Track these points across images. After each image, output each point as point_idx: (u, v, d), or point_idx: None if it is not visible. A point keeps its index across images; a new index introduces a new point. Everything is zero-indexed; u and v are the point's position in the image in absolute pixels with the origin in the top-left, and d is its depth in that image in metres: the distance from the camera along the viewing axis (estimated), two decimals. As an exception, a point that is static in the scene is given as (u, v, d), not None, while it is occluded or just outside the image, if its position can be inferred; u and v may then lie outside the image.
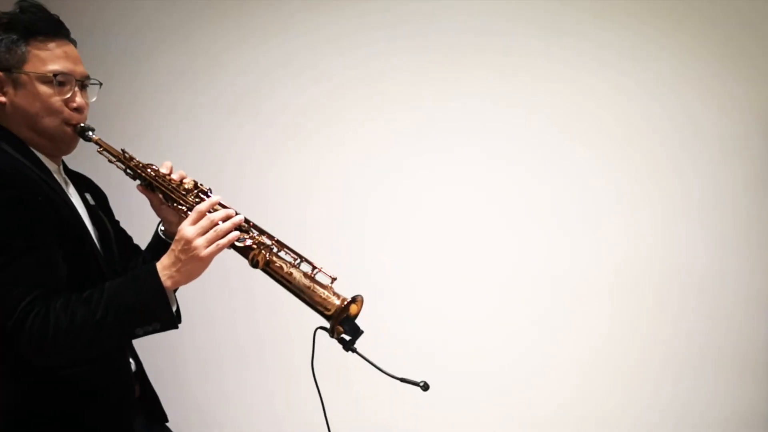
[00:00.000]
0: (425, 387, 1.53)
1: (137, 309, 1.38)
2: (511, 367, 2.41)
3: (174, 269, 1.40)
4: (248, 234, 1.46)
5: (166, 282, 1.39)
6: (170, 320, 1.41)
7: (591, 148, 2.41)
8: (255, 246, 1.44)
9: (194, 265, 1.40)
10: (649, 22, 2.40)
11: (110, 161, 1.55)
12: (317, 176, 2.47)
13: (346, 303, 1.43)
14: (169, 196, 1.51)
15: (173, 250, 1.40)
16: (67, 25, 1.51)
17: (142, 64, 2.41)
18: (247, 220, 1.48)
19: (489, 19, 2.43)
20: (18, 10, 1.47)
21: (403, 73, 2.45)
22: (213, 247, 1.39)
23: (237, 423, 2.51)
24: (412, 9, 2.43)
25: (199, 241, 1.39)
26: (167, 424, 1.74)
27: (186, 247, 1.39)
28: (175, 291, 1.48)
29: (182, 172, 1.56)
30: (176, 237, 1.41)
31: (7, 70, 1.44)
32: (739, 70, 2.38)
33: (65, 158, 1.59)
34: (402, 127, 2.45)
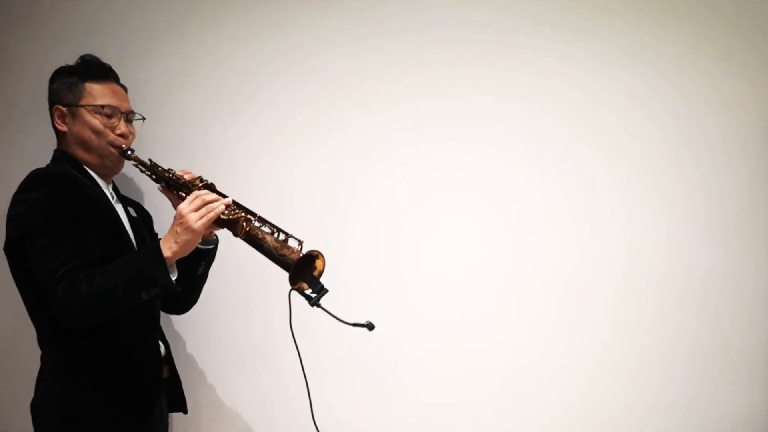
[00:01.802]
0: (370, 327, 1.77)
1: (141, 275, 1.66)
2: (514, 368, 2.37)
3: (172, 241, 1.69)
4: (234, 211, 1.75)
5: (166, 252, 1.67)
6: (169, 284, 1.68)
7: (593, 147, 2.38)
8: (238, 219, 1.74)
9: (188, 236, 1.68)
10: (653, 19, 2.37)
11: (141, 171, 1.89)
12: (310, 172, 2.46)
13: (301, 255, 1.70)
14: (180, 189, 1.83)
15: (172, 225, 1.71)
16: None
17: (138, 64, 2.43)
18: (236, 203, 1.78)
19: (490, 15, 2.41)
20: (79, 61, 1.92)
21: (402, 70, 2.42)
22: (203, 219, 1.69)
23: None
24: (411, 4, 2.42)
25: (192, 216, 1.68)
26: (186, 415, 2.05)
27: (181, 221, 1.69)
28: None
29: (194, 175, 1.88)
30: (175, 215, 1.71)
31: (68, 105, 1.84)
32: (745, 69, 2.34)
33: (119, 184, 2.00)
34: (401, 126, 2.43)
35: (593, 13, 2.41)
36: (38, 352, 1.84)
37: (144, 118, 1.99)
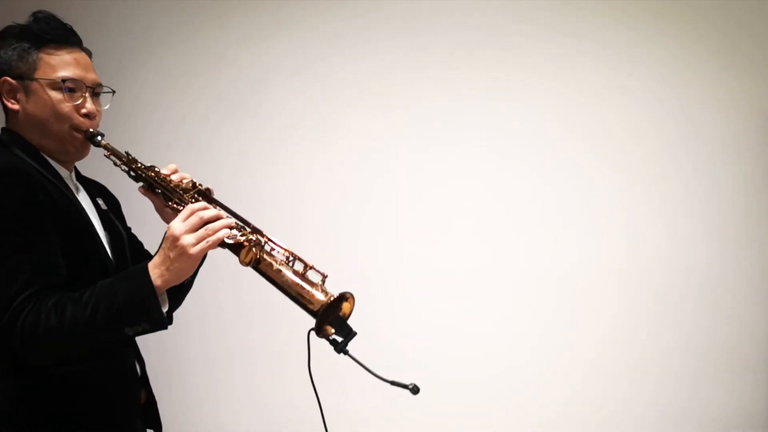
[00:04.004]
0: (414, 390, 1.48)
1: (127, 307, 1.35)
2: (514, 368, 2.42)
3: (164, 267, 1.37)
4: (240, 231, 1.43)
5: (157, 281, 1.36)
6: (160, 320, 1.38)
7: (592, 147, 2.43)
8: (246, 243, 1.41)
9: (183, 263, 1.37)
10: (650, 21, 2.41)
11: (115, 164, 1.56)
12: (316, 175, 2.49)
13: (332, 299, 1.39)
14: (168, 195, 1.51)
15: (164, 248, 1.39)
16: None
17: (142, 65, 2.44)
18: (239, 217, 1.48)
19: (488, 18, 2.45)
20: (31, 20, 1.51)
21: (403, 73, 2.46)
22: (202, 244, 1.37)
23: (228, 428, 2.51)
24: (412, 8, 2.44)
25: (188, 239, 1.36)
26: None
27: (174, 244, 1.37)
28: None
29: (184, 174, 1.56)
30: (166, 235, 1.40)
31: (19, 77, 1.46)
32: (739, 70, 2.40)
33: (79, 165, 1.61)
34: (402, 128, 2.47)
35: (593, 16, 2.46)
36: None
37: (114, 92, 1.58)
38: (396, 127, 2.47)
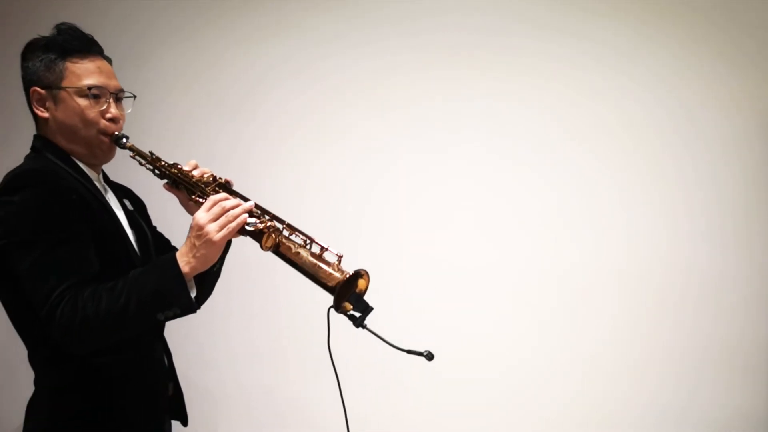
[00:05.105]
0: (429, 356, 1.59)
1: (158, 294, 1.46)
2: (514, 368, 2.44)
3: (191, 255, 1.49)
4: (259, 219, 1.54)
5: (184, 268, 1.48)
6: (189, 304, 1.49)
7: (592, 147, 2.44)
8: (265, 230, 1.52)
9: (208, 249, 1.48)
10: (650, 21, 2.43)
11: (141, 164, 1.67)
12: (316, 175, 2.50)
13: (348, 277, 1.50)
14: (191, 189, 1.62)
15: (189, 237, 1.50)
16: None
17: (142, 65, 2.45)
18: (258, 206, 1.58)
19: (488, 18, 2.47)
20: (55, 32, 1.62)
21: (403, 73, 2.48)
22: (224, 231, 1.48)
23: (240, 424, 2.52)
24: (412, 8, 2.45)
25: (211, 227, 1.48)
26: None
27: (199, 232, 1.48)
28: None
29: (204, 169, 1.67)
30: (191, 224, 1.51)
31: (47, 87, 1.58)
32: (739, 70, 2.40)
33: (107, 170, 1.73)
34: (402, 128, 2.48)
35: (593, 16, 2.47)
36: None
37: (135, 96, 1.70)
38: (396, 127, 2.48)
